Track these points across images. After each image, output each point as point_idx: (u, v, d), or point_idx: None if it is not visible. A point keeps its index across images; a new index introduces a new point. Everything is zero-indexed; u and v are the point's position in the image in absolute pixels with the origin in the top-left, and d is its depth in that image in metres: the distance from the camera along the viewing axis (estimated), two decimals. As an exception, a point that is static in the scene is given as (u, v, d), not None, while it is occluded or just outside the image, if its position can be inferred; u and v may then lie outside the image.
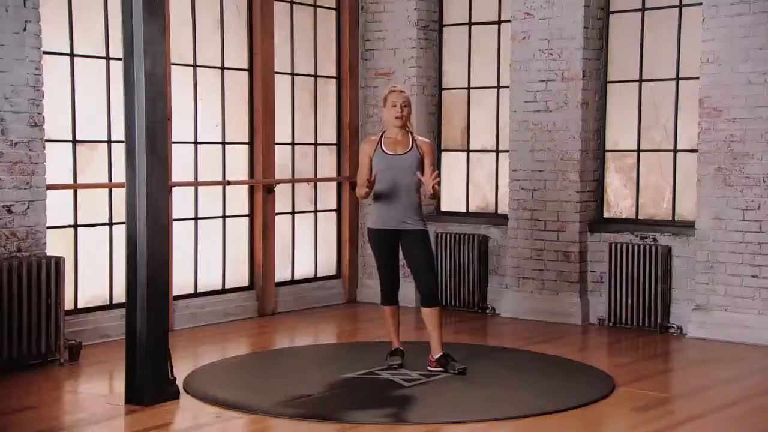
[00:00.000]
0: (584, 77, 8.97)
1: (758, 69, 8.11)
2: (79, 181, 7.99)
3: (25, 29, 7.27)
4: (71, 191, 7.95)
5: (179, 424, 5.98)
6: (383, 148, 7.09)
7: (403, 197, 7.04)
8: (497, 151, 9.73)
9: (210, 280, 9.07)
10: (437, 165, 9.95)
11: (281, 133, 9.58)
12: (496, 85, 9.73)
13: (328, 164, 10.15)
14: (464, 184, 9.97)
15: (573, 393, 6.60)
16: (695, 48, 8.53)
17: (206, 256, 9.02)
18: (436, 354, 7.12)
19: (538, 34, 9.13)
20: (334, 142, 10.19)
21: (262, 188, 9.31)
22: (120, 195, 7.95)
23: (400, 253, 7.24)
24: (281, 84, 9.60)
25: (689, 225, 8.63)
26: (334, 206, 10.21)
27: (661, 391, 6.74)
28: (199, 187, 8.95)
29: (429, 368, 7.11)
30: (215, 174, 9.07)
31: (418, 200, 7.10)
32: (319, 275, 10.09)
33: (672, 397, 6.70)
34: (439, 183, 7.06)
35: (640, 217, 9.00)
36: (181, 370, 6.88)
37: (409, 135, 7.14)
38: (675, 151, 8.82)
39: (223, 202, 9.15)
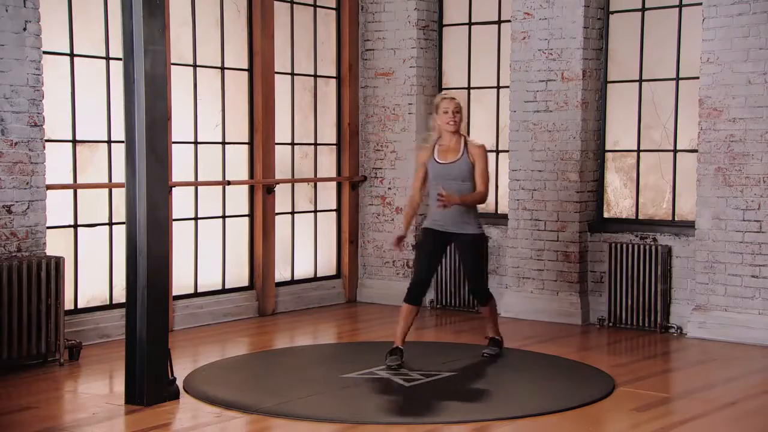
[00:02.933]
0: (584, 77, 8.97)
1: (758, 69, 8.11)
2: (79, 181, 7.99)
3: (25, 29, 7.27)
4: (71, 191, 7.95)
5: (179, 424, 5.97)
6: (435, 156, 7.38)
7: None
8: (497, 151, 9.73)
9: (210, 280, 9.07)
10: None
11: (281, 133, 9.59)
12: (496, 85, 9.74)
13: (328, 164, 10.15)
14: (464, 184, 9.97)
15: (573, 393, 6.60)
16: (695, 48, 8.53)
17: (206, 256, 9.02)
18: (489, 335, 7.79)
19: (538, 34, 9.13)
20: (334, 142, 10.20)
21: (262, 188, 9.31)
22: (120, 195, 7.96)
23: (444, 260, 8.03)
24: (281, 84, 9.60)
25: (689, 225, 8.64)
26: (334, 206, 10.22)
27: (661, 391, 6.74)
28: (199, 187, 8.95)
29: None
30: (215, 174, 9.07)
31: (470, 206, 7.39)
32: (319, 275, 10.10)
33: (672, 397, 6.70)
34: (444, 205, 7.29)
35: (640, 217, 9.01)
36: (181, 370, 6.89)
37: (462, 140, 7.35)
38: (675, 151, 8.82)
39: (223, 202, 9.15)
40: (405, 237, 7.61)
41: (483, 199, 7.45)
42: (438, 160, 7.38)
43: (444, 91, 7.73)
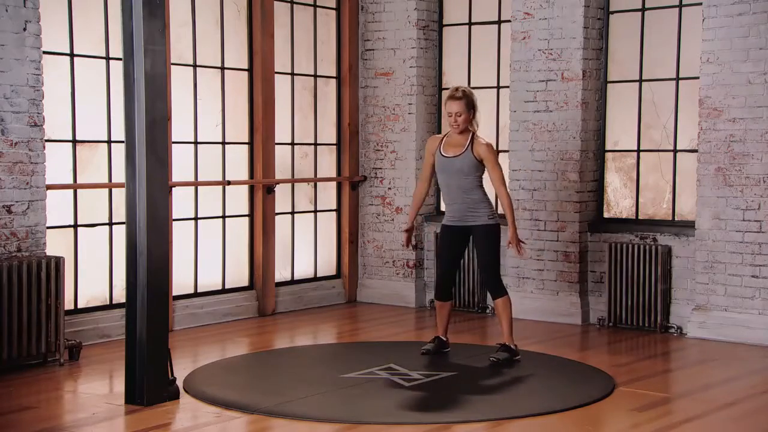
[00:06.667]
0: (584, 77, 8.97)
1: (758, 69, 8.11)
2: (79, 181, 8.00)
3: (25, 29, 7.27)
4: (71, 191, 7.95)
5: (179, 424, 5.98)
6: (441, 148, 7.45)
7: (459, 196, 7.39)
8: (497, 151, 9.72)
9: (210, 280, 9.07)
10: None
11: (281, 133, 9.59)
12: (496, 85, 9.74)
13: (328, 164, 10.15)
14: (464, 184, 9.97)
15: (573, 393, 6.60)
16: (695, 48, 8.53)
17: (206, 256, 9.02)
18: (501, 341, 7.55)
19: (538, 34, 9.13)
20: (334, 142, 10.20)
21: (262, 188, 9.31)
22: (120, 195, 7.97)
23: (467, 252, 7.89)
24: (281, 84, 9.60)
25: (689, 225, 8.64)
26: (334, 206, 10.22)
27: (661, 391, 6.74)
28: (199, 187, 8.96)
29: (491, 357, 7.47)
30: (215, 174, 9.07)
31: (478, 197, 7.38)
32: (319, 275, 10.10)
33: (672, 397, 6.70)
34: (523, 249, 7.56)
35: (640, 217, 9.00)
36: (181, 370, 6.89)
37: (469, 136, 7.40)
38: (675, 151, 8.82)
39: (223, 202, 9.15)
40: (411, 229, 7.71)
41: (509, 203, 7.39)
42: (443, 152, 7.44)
43: (453, 87, 7.59)
